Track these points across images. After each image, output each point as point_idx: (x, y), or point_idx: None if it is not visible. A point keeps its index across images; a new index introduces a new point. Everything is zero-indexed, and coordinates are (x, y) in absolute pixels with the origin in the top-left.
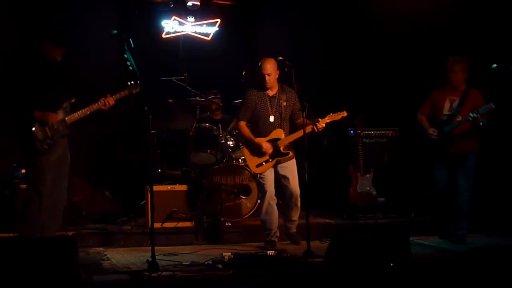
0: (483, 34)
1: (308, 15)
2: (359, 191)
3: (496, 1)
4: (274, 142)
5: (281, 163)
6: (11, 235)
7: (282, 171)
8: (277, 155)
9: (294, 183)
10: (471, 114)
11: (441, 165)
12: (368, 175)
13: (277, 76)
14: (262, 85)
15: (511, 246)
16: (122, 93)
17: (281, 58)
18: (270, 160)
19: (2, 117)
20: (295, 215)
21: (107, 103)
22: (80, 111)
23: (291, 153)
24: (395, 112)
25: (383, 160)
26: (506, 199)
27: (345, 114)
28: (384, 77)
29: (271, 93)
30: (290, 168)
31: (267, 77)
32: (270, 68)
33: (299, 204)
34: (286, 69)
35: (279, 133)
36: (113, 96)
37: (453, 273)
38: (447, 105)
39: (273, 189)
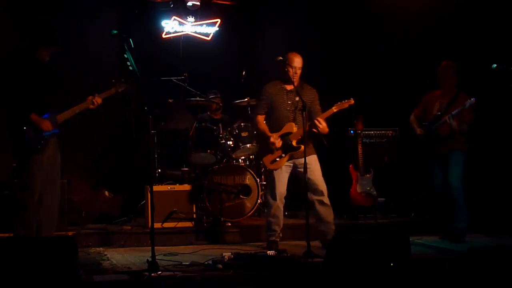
0: (483, 34)
1: (308, 15)
2: (359, 191)
3: (496, 1)
4: (285, 136)
5: (294, 158)
6: (11, 235)
7: (302, 168)
8: (290, 150)
9: (319, 179)
10: (448, 119)
11: (435, 165)
12: (368, 175)
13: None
14: (288, 78)
15: (511, 246)
16: (108, 92)
17: (280, 58)
18: (283, 155)
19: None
20: (329, 216)
21: (95, 102)
22: (70, 110)
23: (303, 147)
24: (395, 112)
25: (383, 160)
26: (506, 199)
27: (352, 102)
28: (384, 77)
29: (289, 87)
30: (310, 164)
31: (298, 71)
32: (300, 63)
33: (327, 201)
34: (285, 69)
35: (290, 127)
36: (101, 95)
37: (453, 273)
38: (436, 107)
39: (284, 191)
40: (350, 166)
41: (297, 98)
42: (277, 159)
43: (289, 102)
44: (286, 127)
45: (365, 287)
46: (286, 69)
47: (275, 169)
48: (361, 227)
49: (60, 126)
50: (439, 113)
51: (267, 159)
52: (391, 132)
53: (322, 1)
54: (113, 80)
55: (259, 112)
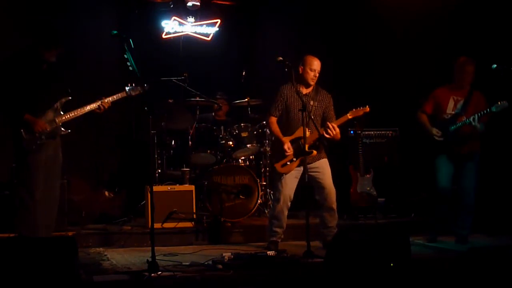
0: (483, 34)
1: (308, 15)
2: (359, 191)
3: (496, 1)
4: (297, 140)
5: (305, 162)
6: (11, 235)
7: (313, 172)
8: (301, 154)
9: (328, 184)
10: (473, 120)
11: (445, 164)
12: (368, 175)
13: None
14: (306, 81)
15: (511, 246)
16: (119, 95)
17: (281, 58)
18: (295, 159)
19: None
20: (333, 221)
21: (101, 107)
22: (73, 112)
23: (315, 152)
24: (395, 112)
25: (383, 160)
26: (506, 199)
27: (367, 109)
28: (384, 77)
29: (305, 91)
30: (321, 168)
31: (317, 74)
32: (319, 66)
33: (335, 206)
34: (286, 69)
35: (303, 131)
36: (109, 99)
37: (453, 273)
38: (451, 104)
39: (290, 195)
40: (350, 166)
41: (311, 103)
42: (288, 163)
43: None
44: (299, 131)
45: (365, 287)
46: (305, 72)
47: (286, 173)
48: (361, 227)
49: (61, 128)
50: (456, 112)
51: (278, 162)
52: (391, 132)
53: (322, 1)
54: (129, 85)
55: (273, 113)
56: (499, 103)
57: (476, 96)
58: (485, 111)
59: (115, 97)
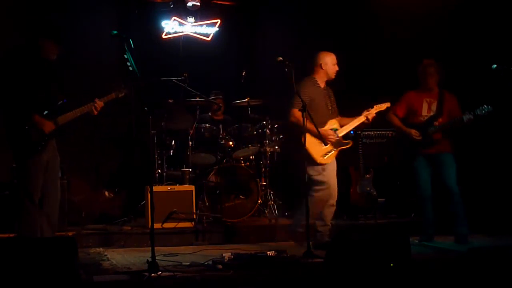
0: (483, 34)
1: (308, 16)
2: (359, 192)
3: (496, 1)
4: (333, 132)
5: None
6: (11, 235)
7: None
8: (339, 145)
9: (333, 183)
10: (466, 116)
11: (423, 166)
12: (368, 176)
13: None
14: (330, 76)
15: (511, 246)
16: (109, 96)
17: (281, 58)
18: (334, 149)
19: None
20: (329, 215)
21: (97, 107)
22: (71, 112)
23: (351, 142)
24: None
25: (383, 160)
26: (506, 200)
27: (389, 104)
28: (384, 77)
29: (322, 85)
30: (331, 165)
31: (337, 69)
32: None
33: (335, 203)
34: (286, 70)
35: (334, 123)
36: (102, 100)
37: (453, 273)
38: (425, 107)
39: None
40: (350, 166)
41: (332, 96)
42: (329, 153)
43: (326, 101)
44: (330, 123)
45: (365, 287)
46: (329, 68)
47: (328, 163)
48: (361, 227)
49: (61, 128)
50: (432, 114)
51: (317, 153)
52: (391, 132)
53: (322, 1)
54: (113, 84)
55: (297, 106)
56: (484, 106)
57: (448, 96)
58: (471, 116)
59: (105, 98)
